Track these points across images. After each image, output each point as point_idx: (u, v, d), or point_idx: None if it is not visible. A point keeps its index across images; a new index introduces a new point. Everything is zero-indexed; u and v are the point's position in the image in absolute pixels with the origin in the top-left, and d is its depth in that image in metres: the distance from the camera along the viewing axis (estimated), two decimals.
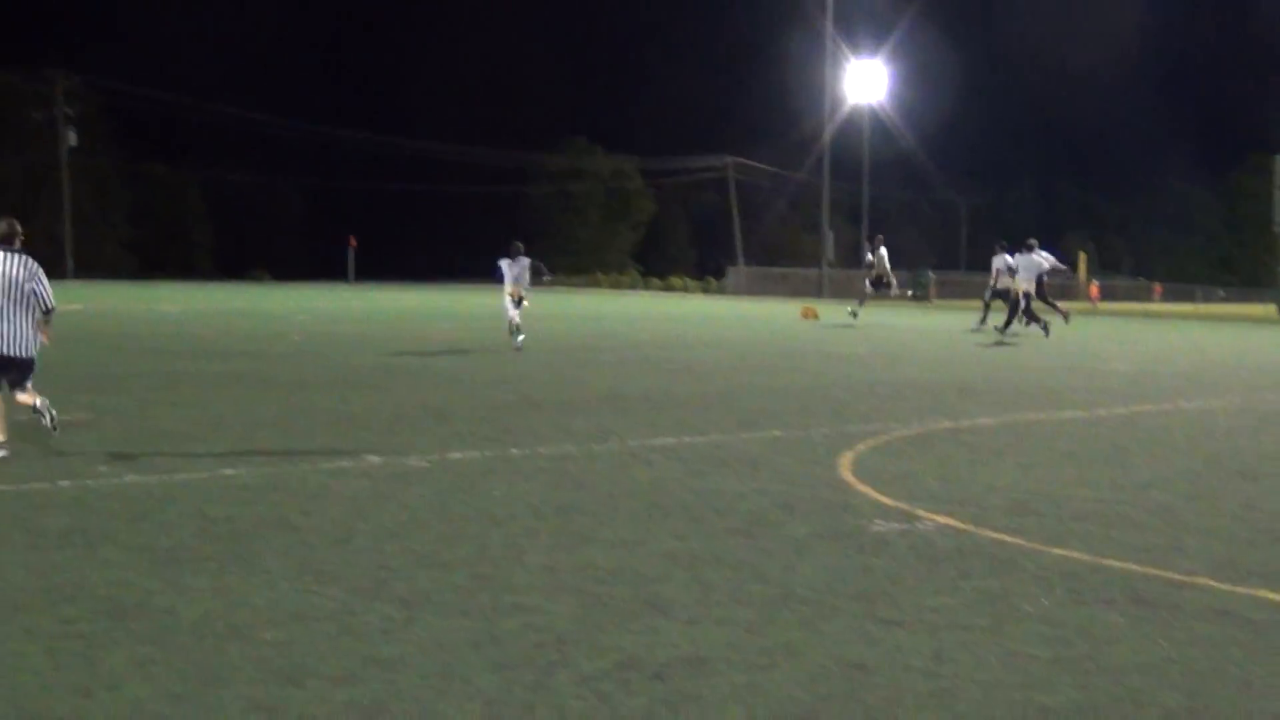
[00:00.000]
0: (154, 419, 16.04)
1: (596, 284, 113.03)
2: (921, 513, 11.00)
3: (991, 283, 41.49)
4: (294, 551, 9.18)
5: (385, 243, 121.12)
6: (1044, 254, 38.83)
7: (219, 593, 8.07)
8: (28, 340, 13.48)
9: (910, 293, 48.62)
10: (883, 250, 45.10)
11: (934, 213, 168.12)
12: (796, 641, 7.32)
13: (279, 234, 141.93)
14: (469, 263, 75.88)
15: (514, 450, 13.99)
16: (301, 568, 8.72)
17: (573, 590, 8.27)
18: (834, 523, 10.53)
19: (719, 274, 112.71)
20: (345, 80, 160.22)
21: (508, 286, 30.95)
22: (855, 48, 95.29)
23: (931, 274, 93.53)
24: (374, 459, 13.22)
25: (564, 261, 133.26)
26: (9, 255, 13.38)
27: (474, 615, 7.69)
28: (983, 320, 41.90)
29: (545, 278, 32.24)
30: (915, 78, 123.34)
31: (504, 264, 30.78)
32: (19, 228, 13.60)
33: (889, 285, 45.55)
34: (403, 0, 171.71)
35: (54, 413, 13.73)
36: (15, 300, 13.34)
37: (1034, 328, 38.81)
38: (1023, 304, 38.29)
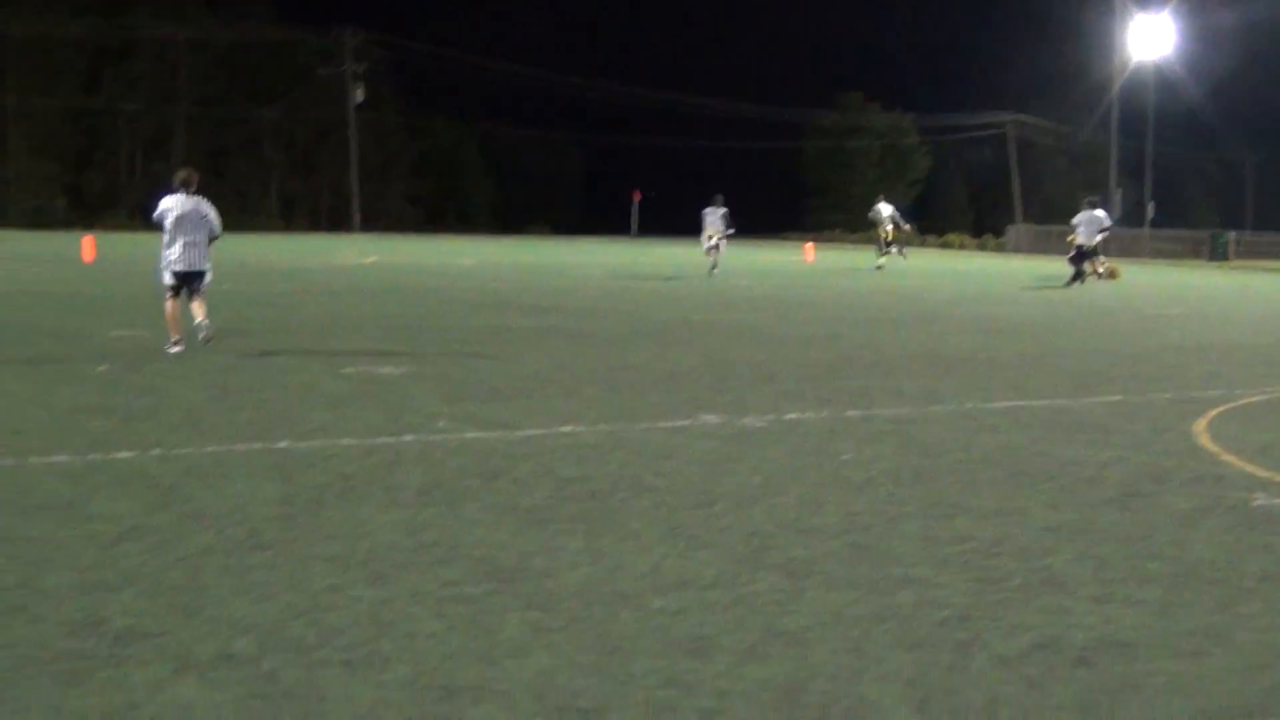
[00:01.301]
0: (476, 372, 15.97)
1: (872, 241, 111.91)
2: None
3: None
4: (658, 514, 8.90)
5: (663, 198, 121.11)
6: (1102, 212, 41.28)
7: (594, 556, 7.81)
8: (203, 257, 17.61)
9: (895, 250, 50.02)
10: (881, 207, 50.04)
11: (1219, 170, 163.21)
12: (1219, 625, 6.81)
13: (557, 188, 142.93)
14: (747, 218, 75.22)
15: (850, 411, 13.60)
16: (670, 531, 8.43)
17: (959, 563, 7.86)
18: (1211, 495, 9.95)
19: (997, 232, 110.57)
20: (624, 36, 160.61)
21: (706, 230, 41.02)
22: (1141, 2, 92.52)
23: (1232, 234, 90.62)
24: (710, 418, 12.92)
25: (838, 218, 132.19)
26: (187, 196, 17.57)
27: (863, 587, 7.31)
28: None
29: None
30: (1203, 32, 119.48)
31: (706, 211, 40.94)
32: (196, 175, 17.94)
33: (890, 243, 50.13)
34: None
35: (211, 332, 17.38)
36: (194, 229, 17.50)
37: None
38: (1086, 254, 40.48)
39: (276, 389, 14.14)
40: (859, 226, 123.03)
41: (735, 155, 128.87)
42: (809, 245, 60.84)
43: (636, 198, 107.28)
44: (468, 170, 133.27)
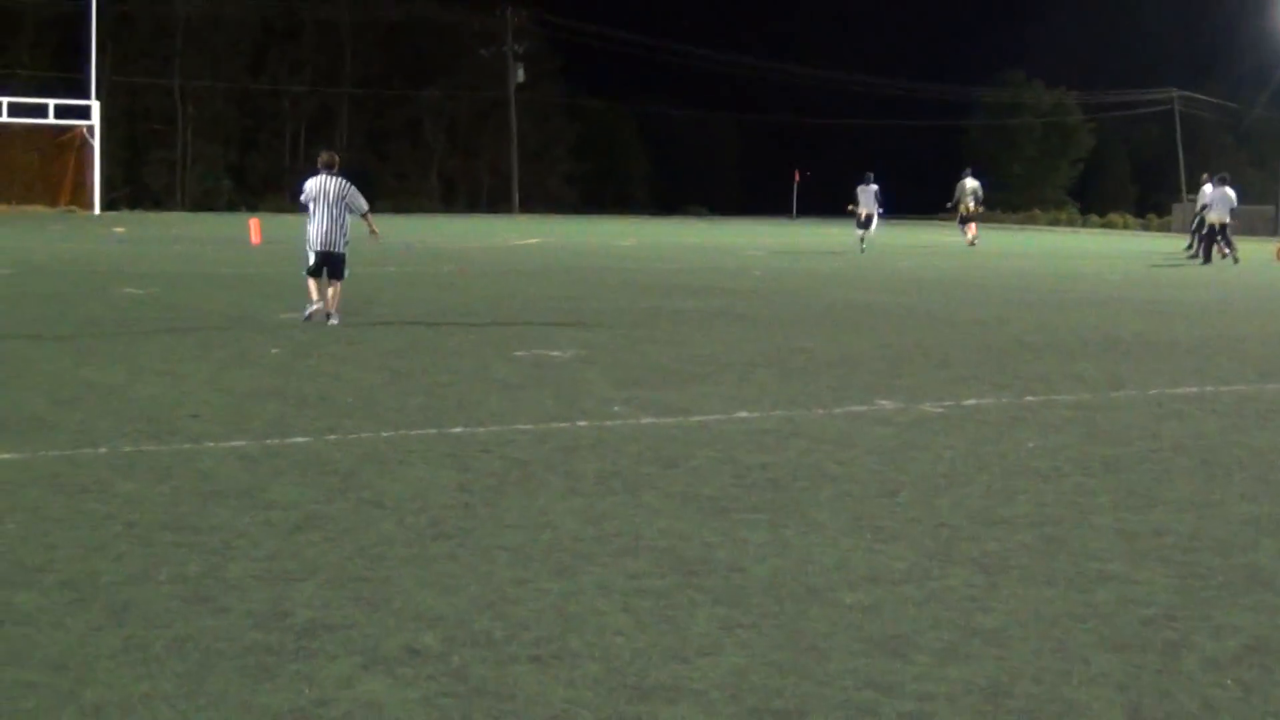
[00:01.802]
0: (646, 355, 15.84)
1: (1034, 220, 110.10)
2: None
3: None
4: (842, 504, 8.70)
5: (822, 177, 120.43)
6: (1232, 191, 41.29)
7: (780, 548, 7.64)
8: (339, 240, 18.48)
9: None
10: (966, 181, 49.74)
11: None
12: None
13: (714, 168, 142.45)
14: (907, 197, 74.26)
15: (1030, 398, 13.30)
16: (856, 522, 8.23)
17: (1157, 558, 7.59)
18: None
19: (1160, 211, 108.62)
20: (782, 13, 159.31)
21: (860, 207, 44.67)
22: None
23: None
24: (886, 404, 12.69)
25: (1000, 197, 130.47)
26: (329, 177, 18.53)
27: (1061, 584, 7.07)
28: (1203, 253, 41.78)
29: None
30: None
31: (859, 189, 44.59)
32: (337, 158, 19.06)
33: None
34: None
35: (337, 319, 18.20)
36: (332, 211, 18.43)
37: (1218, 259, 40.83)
38: (1218, 232, 40.89)
39: (448, 373, 14.09)
40: (1020, 205, 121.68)
41: (894, 134, 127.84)
42: (971, 226, 59.89)
43: (797, 178, 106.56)
44: (626, 151, 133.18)
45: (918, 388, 13.76)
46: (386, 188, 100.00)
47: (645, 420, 11.62)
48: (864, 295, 25.47)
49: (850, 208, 45.71)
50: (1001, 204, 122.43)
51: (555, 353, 15.83)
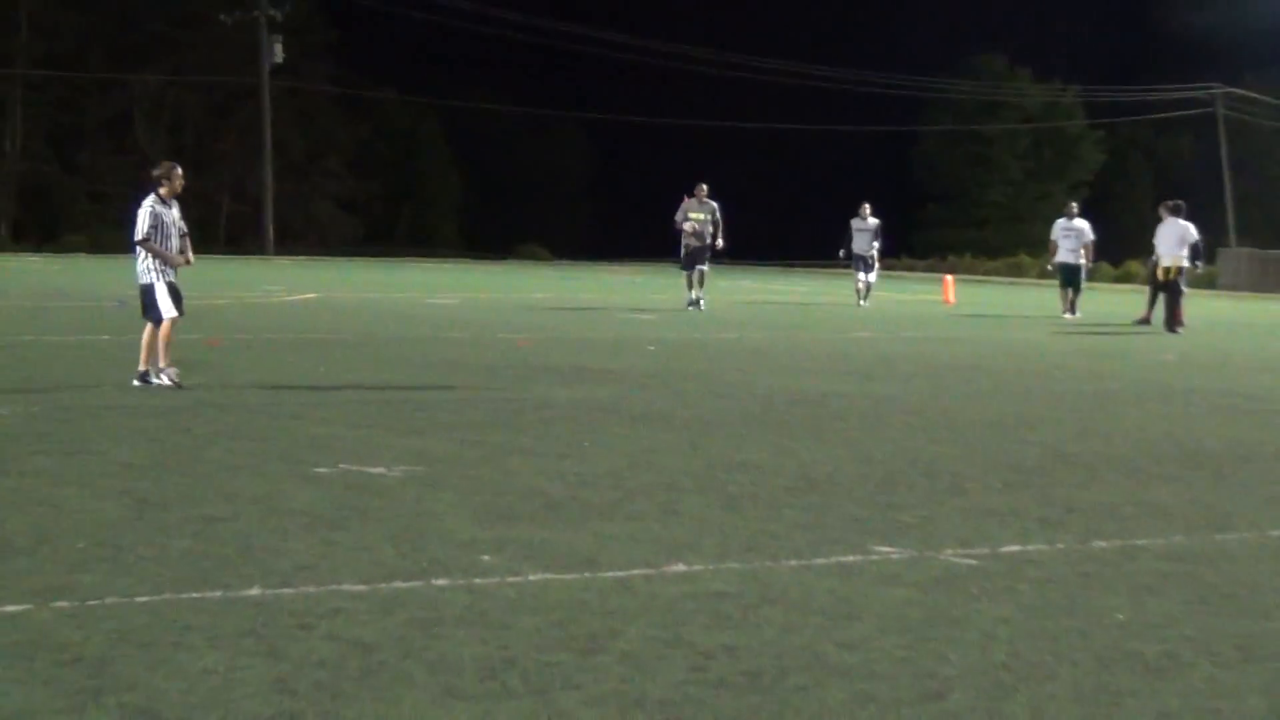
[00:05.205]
0: (515, 474, 15.42)
1: (1021, 270, 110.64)
2: None
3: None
4: (866, 715, 8.34)
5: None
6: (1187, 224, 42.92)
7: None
8: (136, 269, 22.80)
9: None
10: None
11: None
12: None
13: (558, 191, 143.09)
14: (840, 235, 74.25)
15: (1099, 543, 13.03)
16: None
17: None
18: None
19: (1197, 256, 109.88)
20: None
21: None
22: None
23: None
24: (889, 551, 12.38)
25: (970, 236, 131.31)
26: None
27: None
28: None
29: None
30: None
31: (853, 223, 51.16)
32: (164, 170, 23.09)
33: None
34: None
35: (157, 379, 22.15)
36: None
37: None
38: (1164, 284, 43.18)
39: (221, 500, 13.59)
40: (1002, 249, 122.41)
41: (816, 143, 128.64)
42: (948, 279, 60.45)
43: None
44: (429, 165, 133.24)
45: (929, 526, 13.46)
46: (78, 212, 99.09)
47: (534, 576, 11.21)
48: (814, 382, 25.18)
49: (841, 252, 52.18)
50: (974, 246, 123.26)
51: (378, 469, 15.38)
